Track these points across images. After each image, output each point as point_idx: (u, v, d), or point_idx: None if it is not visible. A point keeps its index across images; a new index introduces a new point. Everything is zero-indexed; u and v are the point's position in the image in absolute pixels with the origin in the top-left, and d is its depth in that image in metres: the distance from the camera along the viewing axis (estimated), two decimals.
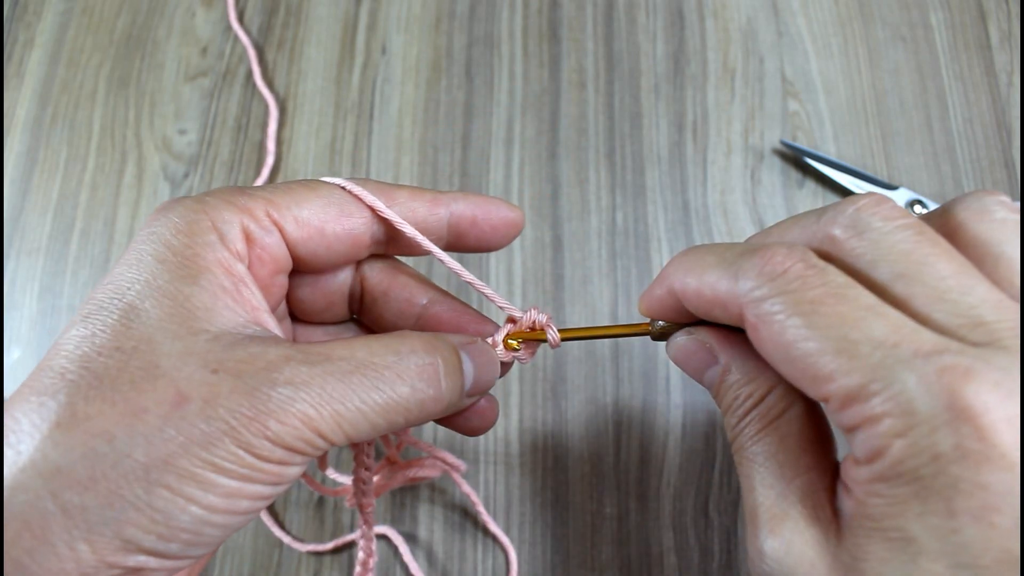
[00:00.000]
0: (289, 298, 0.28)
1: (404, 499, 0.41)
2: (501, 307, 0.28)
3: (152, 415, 0.20)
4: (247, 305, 0.23)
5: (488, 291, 0.28)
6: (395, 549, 0.40)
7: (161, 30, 0.52)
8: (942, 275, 0.20)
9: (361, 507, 0.30)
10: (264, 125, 0.49)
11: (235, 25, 0.52)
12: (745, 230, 0.46)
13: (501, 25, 0.52)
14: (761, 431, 0.23)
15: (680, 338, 0.26)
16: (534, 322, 0.28)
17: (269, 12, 0.53)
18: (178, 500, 0.19)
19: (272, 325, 0.24)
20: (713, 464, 0.41)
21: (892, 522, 0.19)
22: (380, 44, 0.51)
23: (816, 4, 0.51)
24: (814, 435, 0.23)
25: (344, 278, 0.28)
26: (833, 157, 0.47)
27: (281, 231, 0.24)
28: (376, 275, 0.29)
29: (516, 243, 0.46)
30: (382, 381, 0.22)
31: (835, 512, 0.21)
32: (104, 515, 0.19)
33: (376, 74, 0.51)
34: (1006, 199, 0.22)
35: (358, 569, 0.32)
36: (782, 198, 0.47)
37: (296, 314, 0.29)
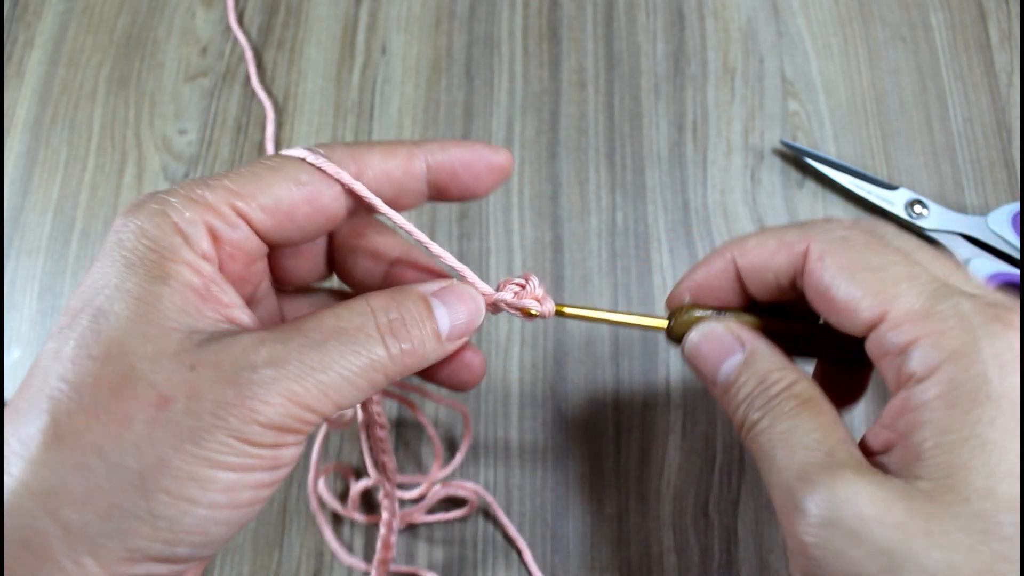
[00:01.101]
0: (272, 270, 0.28)
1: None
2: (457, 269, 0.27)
3: (138, 422, 0.19)
4: (218, 303, 0.22)
5: (465, 271, 0.27)
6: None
7: (161, 30, 0.52)
8: (939, 267, 0.24)
9: (382, 466, 0.30)
10: (264, 125, 0.49)
11: (235, 25, 0.52)
12: (745, 230, 0.46)
13: (501, 25, 0.52)
14: (795, 407, 0.24)
15: (708, 324, 0.27)
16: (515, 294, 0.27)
17: (269, 12, 0.53)
18: (179, 504, 0.19)
19: (247, 321, 0.23)
20: (713, 464, 0.41)
21: (970, 429, 0.20)
22: (380, 44, 0.51)
23: (816, 4, 0.51)
24: (836, 419, 0.24)
25: (322, 241, 0.28)
26: (833, 157, 0.47)
27: (249, 222, 0.24)
28: (344, 232, 0.28)
29: (516, 243, 0.46)
30: (356, 343, 0.22)
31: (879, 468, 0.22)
32: (106, 528, 0.19)
33: (376, 74, 0.51)
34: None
35: (382, 531, 0.32)
36: (782, 198, 0.47)
37: (280, 284, 0.29)
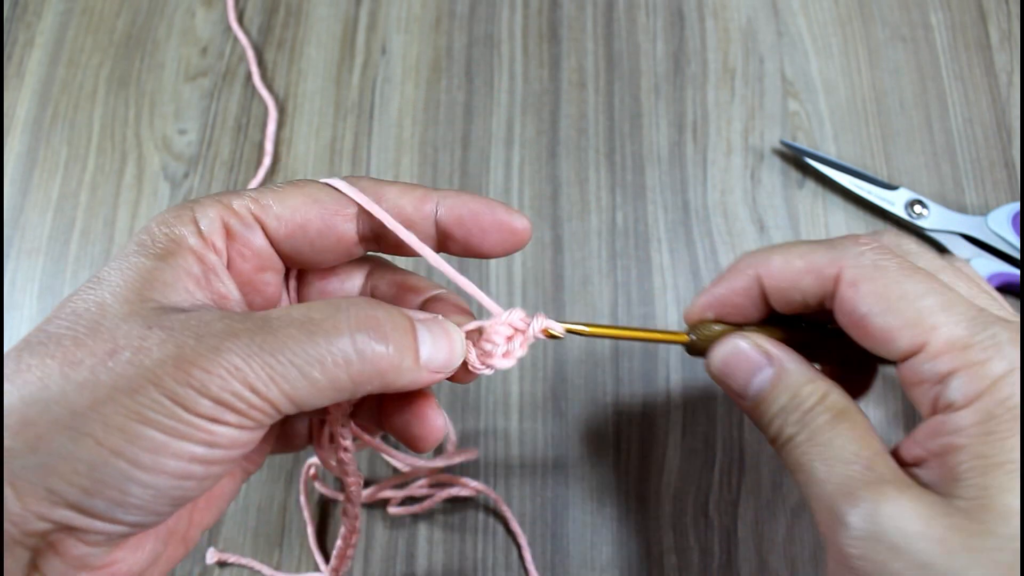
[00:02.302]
0: None
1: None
2: (477, 298, 0.27)
3: (84, 365, 0.20)
4: (214, 292, 0.24)
5: (485, 299, 0.27)
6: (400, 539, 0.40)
7: (161, 30, 0.52)
8: (964, 286, 0.25)
9: (345, 487, 0.30)
10: (264, 125, 0.49)
11: (235, 25, 0.52)
12: (745, 230, 0.46)
13: (501, 25, 0.52)
14: (830, 420, 0.25)
15: (734, 341, 0.28)
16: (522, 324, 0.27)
17: (269, 12, 0.53)
18: (102, 451, 0.19)
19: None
20: (713, 464, 0.41)
21: (1008, 455, 0.21)
22: (380, 44, 0.51)
23: (816, 4, 0.51)
24: (871, 430, 0.25)
25: (351, 287, 0.28)
26: (833, 157, 0.47)
27: (264, 228, 0.25)
28: (385, 286, 0.28)
29: None
30: (317, 333, 0.21)
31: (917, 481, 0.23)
32: (29, 460, 0.19)
33: (376, 74, 0.51)
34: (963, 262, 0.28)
35: (339, 543, 0.32)
36: (782, 198, 0.47)
37: None
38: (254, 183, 0.48)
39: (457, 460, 0.38)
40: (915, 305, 0.23)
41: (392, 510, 0.39)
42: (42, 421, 0.19)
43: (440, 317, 0.25)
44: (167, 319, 0.21)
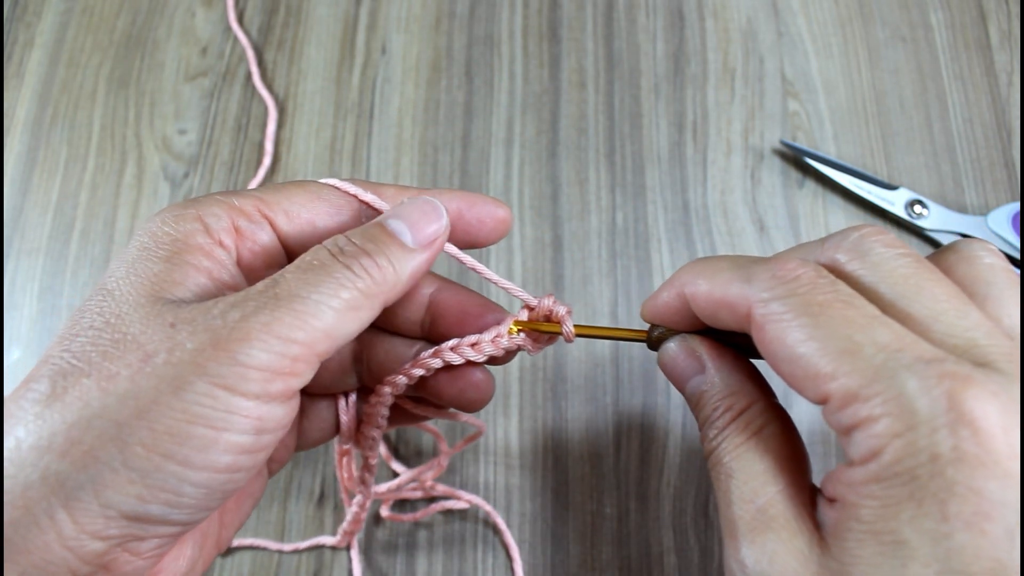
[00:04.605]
0: None
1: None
2: (505, 288, 0.29)
3: (122, 377, 0.20)
4: (226, 287, 0.24)
5: (493, 275, 0.29)
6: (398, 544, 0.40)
7: (161, 30, 0.52)
8: (939, 298, 0.21)
9: (367, 459, 0.31)
10: (264, 125, 0.49)
11: (235, 25, 0.52)
12: (745, 230, 0.46)
13: (501, 25, 0.52)
14: (740, 445, 0.24)
15: (672, 343, 0.27)
16: (550, 312, 0.28)
17: (269, 12, 0.53)
18: (153, 456, 0.20)
19: None
20: None
21: (884, 525, 0.19)
22: (380, 44, 0.51)
23: (816, 4, 0.51)
24: (791, 453, 0.23)
25: None
26: (833, 157, 0.47)
27: (272, 224, 0.25)
28: None
29: (516, 243, 0.46)
30: (321, 272, 0.22)
31: (816, 525, 0.22)
32: (79, 479, 0.19)
33: (376, 74, 0.51)
34: (992, 246, 0.23)
35: (355, 510, 0.33)
36: (782, 198, 0.47)
37: None
38: (254, 183, 0.48)
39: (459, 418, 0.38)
40: (817, 352, 0.20)
41: (384, 513, 0.39)
42: (87, 438, 0.19)
43: (416, 196, 0.26)
44: (184, 312, 0.21)
